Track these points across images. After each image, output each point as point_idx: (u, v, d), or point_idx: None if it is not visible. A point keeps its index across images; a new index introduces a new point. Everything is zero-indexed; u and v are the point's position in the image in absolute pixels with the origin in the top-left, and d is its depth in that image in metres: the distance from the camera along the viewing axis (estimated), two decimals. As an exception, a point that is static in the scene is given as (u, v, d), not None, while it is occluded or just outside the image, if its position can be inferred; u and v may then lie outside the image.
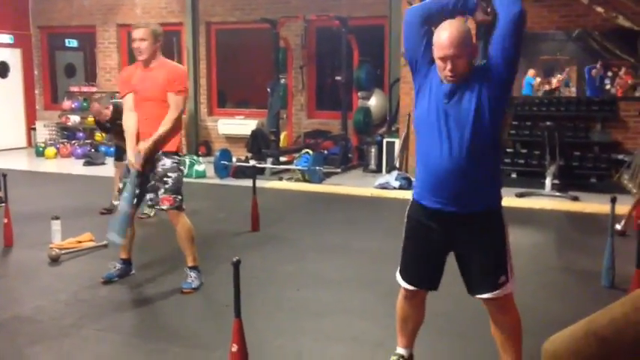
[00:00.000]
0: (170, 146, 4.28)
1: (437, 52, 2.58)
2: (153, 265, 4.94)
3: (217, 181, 9.02)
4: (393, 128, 9.54)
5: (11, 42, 12.52)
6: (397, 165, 8.99)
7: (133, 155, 4.16)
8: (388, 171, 8.87)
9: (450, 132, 2.59)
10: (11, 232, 5.37)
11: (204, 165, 9.40)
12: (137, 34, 4.17)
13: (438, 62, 2.59)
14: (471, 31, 2.64)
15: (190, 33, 11.28)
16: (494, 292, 2.68)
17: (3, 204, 5.58)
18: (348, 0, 10.24)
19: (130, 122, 4.26)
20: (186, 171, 9.14)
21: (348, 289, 4.46)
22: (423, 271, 2.84)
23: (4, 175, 5.56)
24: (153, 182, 4.26)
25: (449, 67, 2.55)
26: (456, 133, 2.59)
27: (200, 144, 11.56)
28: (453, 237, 2.73)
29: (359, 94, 10.07)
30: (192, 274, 4.36)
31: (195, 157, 9.58)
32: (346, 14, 9.73)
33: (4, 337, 3.57)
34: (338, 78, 10.10)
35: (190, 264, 4.38)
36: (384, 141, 9.35)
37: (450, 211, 2.66)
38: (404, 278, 2.91)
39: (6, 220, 5.35)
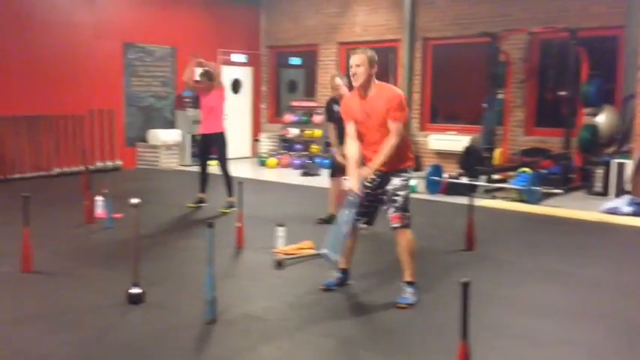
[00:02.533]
0: (401, 164, 4.38)
1: None
2: (369, 276, 5.03)
3: (427, 196, 8.97)
4: (625, 148, 8.67)
5: (245, 61, 13.80)
6: (629, 189, 8.15)
7: (355, 182, 4.30)
8: (617, 195, 8.08)
9: None
10: (242, 235, 5.85)
11: (414, 180, 9.41)
12: (354, 60, 4.31)
13: None
14: None
15: (407, 49, 11.41)
16: None
17: (235, 209, 6.09)
18: (578, 10, 9.57)
19: (352, 149, 4.41)
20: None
21: (571, 320, 4.12)
22: None
23: (240, 183, 6.08)
24: (384, 202, 4.39)
25: None
26: None
27: (411, 159, 11.61)
28: None
29: (586, 110, 9.33)
30: (409, 289, 4.36)
31: (406, 172, 9.63)
32: (575, 25, 9.10)
33: (236, 332, 3.87)
34: (562, 93, 9.46)
35: (408, 279, 4.38)
36: (614, 162, 8.54)
37: None
38: None
39: (239, 224, 5.84)
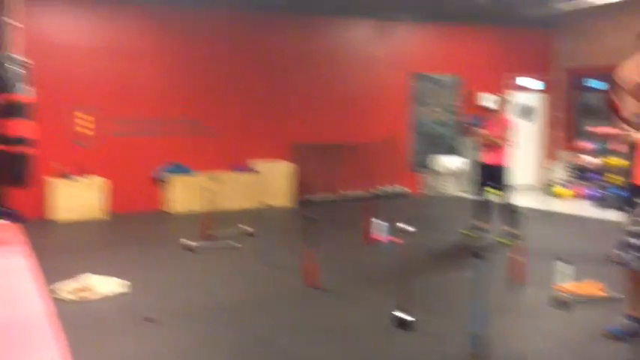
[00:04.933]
0: None
1: None
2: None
3: None
4: None
5: (542, 88, 13.15)
6: None
7: None
8: None
9: None
10: (521, 269, 5.47)
11: None
12: None
13: None
14: None
15: None
16: None
17: (520, 241, 5.75)
18: None
19: None
20: None
21: None
22: None
23: (514, 212, 5.74)
24: None
25: None
26: None
27: None
28: None
29: None
30: None
31: None
32: None
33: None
34: None
35: None
36: None
37: None
38: None
39: (518, 257, 5.45)
